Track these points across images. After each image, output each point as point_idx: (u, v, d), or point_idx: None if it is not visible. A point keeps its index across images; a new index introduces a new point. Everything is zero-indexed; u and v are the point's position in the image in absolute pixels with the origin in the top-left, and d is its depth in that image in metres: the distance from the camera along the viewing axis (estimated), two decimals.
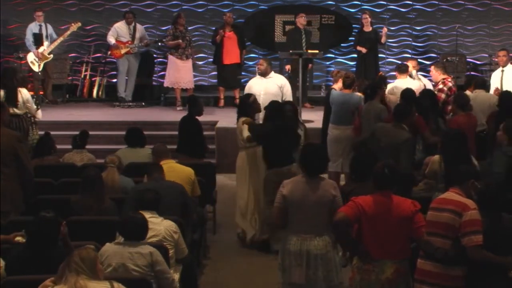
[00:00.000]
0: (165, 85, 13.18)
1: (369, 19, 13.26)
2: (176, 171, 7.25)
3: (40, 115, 9.83)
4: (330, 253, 5.52)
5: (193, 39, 13.18)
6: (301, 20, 13.15)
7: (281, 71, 14.70)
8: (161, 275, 5.34)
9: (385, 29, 13.37)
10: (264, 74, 9.99)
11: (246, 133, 8.07)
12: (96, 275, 4.48)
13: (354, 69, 13.94)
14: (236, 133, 8.41)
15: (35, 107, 9.54)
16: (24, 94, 9.28)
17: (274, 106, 8.15)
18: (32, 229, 5.22)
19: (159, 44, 13.83)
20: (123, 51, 13.02)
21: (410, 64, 11.17)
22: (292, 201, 5.51)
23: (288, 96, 9.85)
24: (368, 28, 13.26)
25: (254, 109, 8.42)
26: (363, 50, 13.10)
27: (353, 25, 14.73)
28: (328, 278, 5.51)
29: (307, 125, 11.44)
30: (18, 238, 5.47)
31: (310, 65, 13.34)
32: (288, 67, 12.73)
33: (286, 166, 7.69)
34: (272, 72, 10.14)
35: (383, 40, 13.26)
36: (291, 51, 12.40)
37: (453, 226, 5.04)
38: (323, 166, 5.69)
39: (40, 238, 5.16)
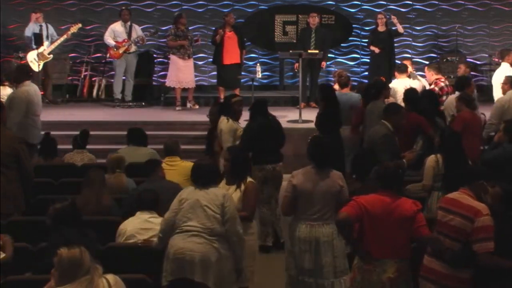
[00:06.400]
0: (167, 84, 13.15)
1: (385, 19, 13.25)
2: (177, 168, 7.37)
3: None
4: (336, 240, 5.75)
5: (193, 38, 13.15)
6: (312, 20, 13.26)
7: (281, 71, 14.80)
8: (231, 228, 5.46)
9: (394, 17, 13.39)
10: None
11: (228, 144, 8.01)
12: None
13: (367, 67, 14.01)
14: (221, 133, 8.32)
15: None
16: None
17: (257, 104, 8.25)
18: None
19: (157, 33, 13.80)
20: (121, 50, 13.00)
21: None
22: (302, 190, 5.77)
23: None
24: (382, 28, 13.24)
25: (234, 110, 8.35)
26: (376, 50, 13.09)
27: (353, 25, 14.75)
28: (335, 263, 5.76)
29: (306, 125, 11.54)
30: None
31: (323, 63, 13.37)
32: (296, 65, 12.72)
33: (271, 164, 7.77)
34: None
35: (400, 30, 13.22)
36: (290, 51, 12.46)
37: (464, 230, 5.03)
38: (330, 158, 5.87)
39: None
